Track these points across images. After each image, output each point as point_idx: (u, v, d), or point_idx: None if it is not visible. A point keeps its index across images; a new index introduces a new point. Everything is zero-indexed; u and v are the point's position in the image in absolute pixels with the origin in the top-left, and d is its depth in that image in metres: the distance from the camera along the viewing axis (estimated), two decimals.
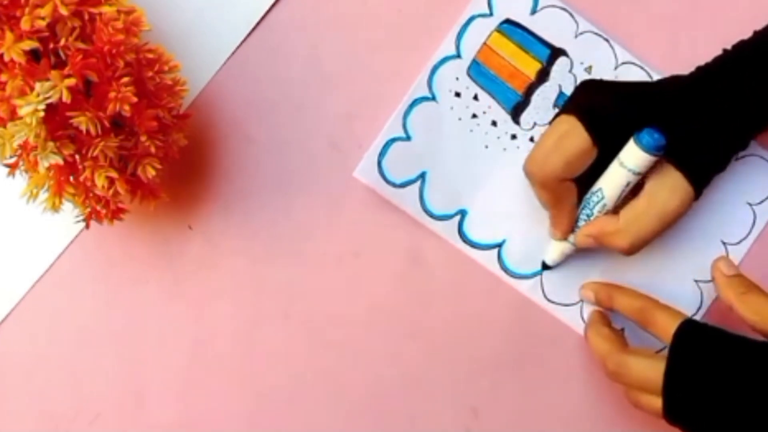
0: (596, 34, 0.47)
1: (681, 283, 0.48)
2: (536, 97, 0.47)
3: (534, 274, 0.48)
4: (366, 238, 0.48)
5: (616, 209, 0.44)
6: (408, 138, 0.47)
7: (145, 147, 0.40)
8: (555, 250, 0.47)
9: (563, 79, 0.47)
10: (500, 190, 0.48)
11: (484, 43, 0.47)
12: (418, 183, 0.47)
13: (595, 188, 0.44)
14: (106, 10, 0.37)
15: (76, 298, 0.48)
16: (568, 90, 0.47)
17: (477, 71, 0.47)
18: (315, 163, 0.48)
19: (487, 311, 0.48)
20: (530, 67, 0.47)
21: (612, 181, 0.43)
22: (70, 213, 0.42)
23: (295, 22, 0.48)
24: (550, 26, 0.47)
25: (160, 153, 0.41)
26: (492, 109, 0.47)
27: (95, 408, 0.48)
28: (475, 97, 0.47)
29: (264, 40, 0.48)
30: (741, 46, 0.43)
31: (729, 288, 0.44)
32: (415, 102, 0.47)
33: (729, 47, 0.44)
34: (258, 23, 0.47)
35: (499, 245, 0.48)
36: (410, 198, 0.47)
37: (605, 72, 0.47)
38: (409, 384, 0.48)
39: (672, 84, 0.43)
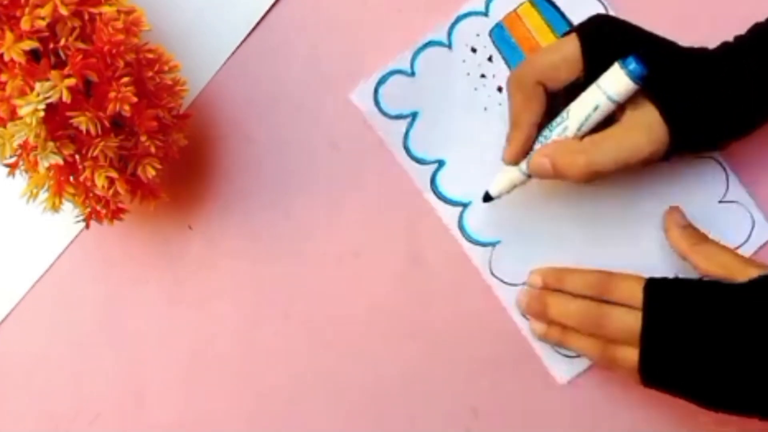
0: None
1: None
2: None
3: (488, 243, 0.47)
4: (366, 238, 0.48)
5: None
6: (412, 74, 0.47)
7: (145, 147, 0.40)
8: (503, 177, 0.44)
9: None
10: (483, 153, 0.47)
11: (514, 10, 0.47)
12: (408, 120, 0.47)
13: (564, 115, 0.41)
14: (106, 10, 0.37)
15: (76, 298, 0.48)
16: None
17: (499, 35, 0.47)
18: (315, 163, 0.48)
19: (487, 311, 0.48)
20: None
21: (582, 102, 0.40)
22: (70, 213, 0.42)
23: (295, 22, 0.48)
24: (581, 11, 0.47)
25: (160, 153, 0.41)
26: (502, 74, 0.47)
27: (95, 408, 0.48)
28: (490, 59, 0.47)
29: (264, 40, 0.48)
30: (756, 31, 0.41)
31: (682, 239, 0.44)
32: (431, 43, 0.47)
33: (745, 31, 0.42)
34: (258, 23, 0.47)
35: (464, 205, 0.47)
36: (395, 132, 0.47)
37: None
38: (409, 384, 0.48)
39: (695, 50, 0.41)
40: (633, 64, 0.38)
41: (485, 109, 0.47)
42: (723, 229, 0.47)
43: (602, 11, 0.47)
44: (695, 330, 0.39)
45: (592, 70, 0.40)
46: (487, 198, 0.45)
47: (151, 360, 0.48)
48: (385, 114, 0.47)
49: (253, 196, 0.48)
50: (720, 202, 0.47)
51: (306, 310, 0.48)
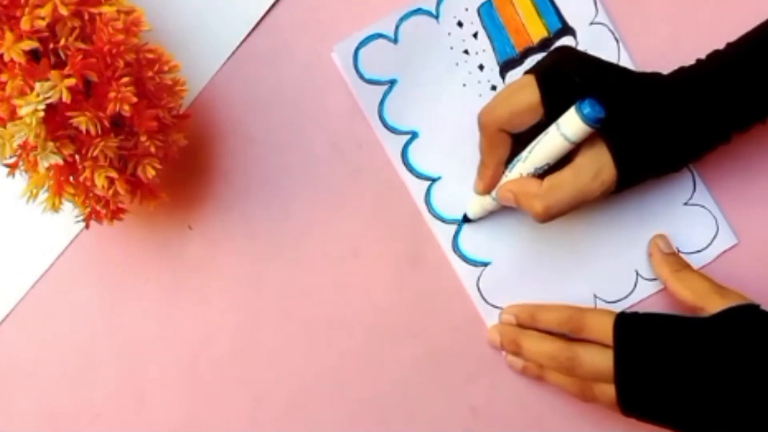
0: (610, 30, 0.47)
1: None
2: (530, 62, 0.47)
3: (454, 221, 0.47)
4: (366, 238, 0.48)
5: (543, 174, 0.43)
6: (395, 40, 0.47)
7: (145, 147, 0.40)
8: (477, 203, 0.47)
9: None
10: (457, 129, 0.47)
11: None
12: (385, 87, 0.47)
13: (529, 153, 0.43)
14: (106, 10, 0.37)
15: (76, 298, 0.48)
16: None
17: (487, 12, 0.47)
18: (315, 163, 0.48)
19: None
20: (537, 32, 0.47)
21: (546, 145, 0.42)
22: (70, 213, 0.42)
23: (295, 22, 0.48)
24: (572, 3, 0.47)
25: (160, 153, 0.41)
26: (486, 53, 0.47)
27: (95, 408, 0.48)
28: (475, 35, 0.47)
29: (264, 40, 0.48)
30: (715, 57, 0.43)
31: (665, 265, 0.46)
32: (419, 11, 0.47)
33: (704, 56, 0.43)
34: (258, 23, 0.47)
35: (433, 180, 0.47)
36: (371, 97, 0.47)
37: None
38: (408, 384, 0.48)
39: (649, 77, 0.43)
40: (588, 109, 0.39)
41: (464, 85, 0.47)
42: (686, 232, 0.47)
43: (591, 11, 0.47)
44: (665, 364, 0.40)
45: (552, 112, 0.41)
46: (466, 219, 0.47)
47: (152, 360, 0.48)
48: (362, 77, 0.47)
49: (253, 196, 0.48)
50: (685, 204, 0.47)
51: (306, 310, 0.48)
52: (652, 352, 0.41)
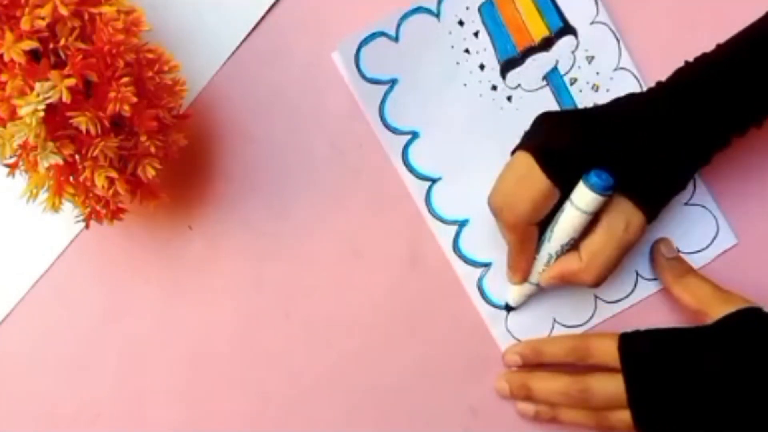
0: (611, 30, 0.47)
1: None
2: (531, 61, 0.47)
3: (454, 222, 0.47)
4: (366, 238, 0.48)
5: (575, 245, 0.43)
6: (395, 39, 0.47)
7: (145, 147, 0.40)
8: (516, 292, 0.47)
9: (563, 56, 0.47)
10: (458, 129, 0.47)
11: None
12: (386, 87, 0.47)
13: (552, 232, 0.43)
14: (106, 10, 0.37)
15: (77, 297, 0.48)
16: (564, 69, 0.47)
17: (488, 11, 0.47)
18: (315, 163, 0.48)
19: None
20: (538, 31, 0.47)
21: (566, 222, 0.42)
22: (70, 213, 0.42)
23: (295, 22, 0.48)
24: (573, 2, 0.47)
25: (160, 153, 0.41)
26: (486, 52, 0.47)
27: (95, 408, 0.48)
28: (476, 34, 0.47)
29: (264, 40, 0.48)
30: (702, 60, 0.42)
31: (668, 270, 0.46)
32: (419, 9, 0.47)
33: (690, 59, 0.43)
34: (258, 23, 0.47)
35: (433, 181, 0.47)
36: (372, 97, 0.47)
37: (604, 68, 0.47)
38: (408, 384, 0.48)
39: (628, 103, 0.43)
40: (595, 179, 0.40)
41: (464, 84, 0.47)
42: (687, 232, 0.48)
43: (592, 11, 0.47)
44: (676, 379, 0.40)
45: (565, 188, 0.42)
46: (509, 308, 0.48)
47: (151, 360, 0.48)
48: (363, 77, 0.47)
49: (253, 196, 0.48)
50: (685, 204, 0.47)
51: (306, 310, 0.48)
52: (661, 369, 0.41)
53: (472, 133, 0.45)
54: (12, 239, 0.48)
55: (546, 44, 0.47)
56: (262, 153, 0.48)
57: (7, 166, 0.40)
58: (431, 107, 0.47)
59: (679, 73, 0.42)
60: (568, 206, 0.42)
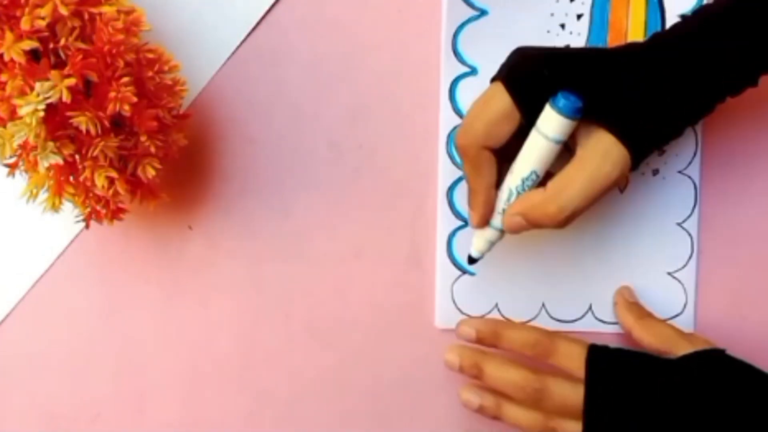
0: None
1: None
2: None
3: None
4: (366, 239, 0.48)
5: (542, 182, 0.40)
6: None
7: (145, 147, 0.40)
8: (479, 239, 0.43)
9: None
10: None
11: None
12: (474, 13, 0.46)
13: (517, 167, 0.40)
14: (106, 10, 0.37)
15: (77, 297, 0.48)
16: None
17: (600, 3, 0.46)
18: (315, 163, 0.48)
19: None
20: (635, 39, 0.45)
21: (528, 150, 0.39)
22: (70, 213, 0.42)
23: (295, 22, 0.48)
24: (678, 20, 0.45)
25: (160, 153, 0.41)
26: (579, 37, 0.46)
27: (95, 408, 0.48)
28: (579, 17, 0.46)
29: (264, 40, 0.48)
30: (701, 12, 0.40)
31: (629, 312, 0.45)
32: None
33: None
34: (258, 23, 0.47)
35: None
36: (456, 15, 0.46)
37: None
38: (408, 384, 0.48)
39: (625, 50, 0.40)
40: (562, 101, 0.37)
41: None
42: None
43: None
44: (635, 404, 0.39)
45: (529, 115, 0.39)
46: (471, 260, 0.44)
47: (151, 360, 0.48)
48: None
49: (253, 196, 0.48)
50: (678, 224, 0.47)
51: (306, 311, 0.48)
52: (623, 390, 0.40)
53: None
54: (12, 239, 0.48)
55: None
56: (262, 153, 0.48)
57: (7, 166, 0.40)
58: (500, 51, 0.42)
59: (676, 25, 0.40)
60: (532, 133, 0.39)
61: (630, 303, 0.46)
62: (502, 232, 0.42)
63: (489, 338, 0.43)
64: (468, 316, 0.47)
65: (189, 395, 0.48)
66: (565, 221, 0.39)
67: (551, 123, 0.38)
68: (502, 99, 0.38)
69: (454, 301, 0.47)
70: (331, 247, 0.48)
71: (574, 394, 0.40)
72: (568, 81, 0.38)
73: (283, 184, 0.48)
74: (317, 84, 0.48)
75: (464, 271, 0.47)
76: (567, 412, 0.41)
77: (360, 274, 0.48)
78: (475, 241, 0.43)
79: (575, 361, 0.41)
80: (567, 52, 0.40)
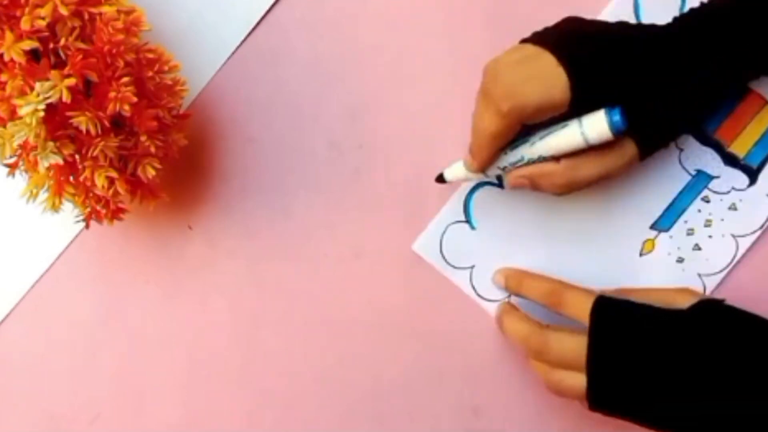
0: None
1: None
2: (710, 157, 0.47)
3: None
4: (366, 239, 0.48)
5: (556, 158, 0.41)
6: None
7: (145, 147, 0.40)
8: (460, 171, 0.44)
9: (723, 180, 0.47)
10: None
11: None
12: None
13: (540, 139, 0.41)
14: (106, 10, 0.37)
15: (76, 298, 0.48)
16: (710, 183, 0.47)
17: None
18: (315, 163, 0.48)
19: (487, 311, 0.48)
20: (743, 145, 0.47)
21: (562, 138, 0.40)
22: (70, 213, 0.42)
23: (295, 22, 0.48)
24: None
25: (160, 153, 0.41)
26: None
27: (95, 408, 0.48)
28: None
29: (264, 40, 0.48)
30: (714, 4, 0.41)
31: (616, 292, 0.44)
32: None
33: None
34: (258, 23, 0.47)
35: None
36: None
37: (735, 224, 0.47)
38: (409, 384, 0.48)
39: (645, 35, 0.41)
40: (617, 117, 0.38)
41: None
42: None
43: None
44: (640, 355, 0.39)
45: (578, 108, 0.39)
46: (440, 179, 0.46)
47: (151, 360, 0.48)
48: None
49: (253, 196, 0.48)
50: None
51: (306, 310, 0.48)
52: (627, 341, 0.40)
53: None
54: (12, 239, 0.48)
55: (731, 160, 0.47)
56: (262, 153, 0.48)
57: (7, 166, 0.40)
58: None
59: (694, 11, 0.41)
60: (573, 125, 0.40)
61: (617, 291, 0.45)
62: (485, 176, 0.44)
63: (513, 286, 0.46)
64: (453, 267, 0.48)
65: (189, 395, 0.48)
66: (566, 192, 0.42)
67: (597, 130, 0.39)
68: (563, 90, 0.38)
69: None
70: (331, 247, 0.48)
71: (576, 346, 0.41)
72: (615, 87, 0.39)
73: (283, 184, 0.48)
74: (317, 84, 0.48)
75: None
76: (569, 365, 0.41)
77: (360, 274, 0.48)
78: (456, 169, 0.45)
79: (582, 309, 0.41)
80: (617, 38, 0.40)
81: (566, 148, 0.40)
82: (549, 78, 0.38)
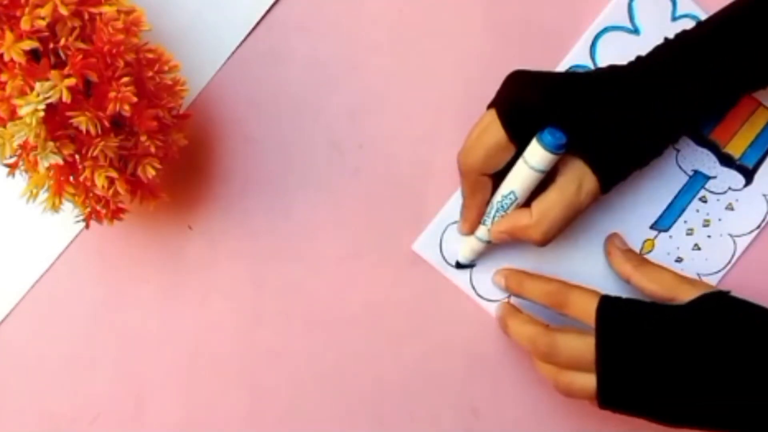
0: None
1: None
2: (700, 151, 0.47)
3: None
4: (366, 239, 0.48)
5: (527, 202, 0.43)
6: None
7: (145, 147, 0.40)
8: (466, 248, 0.47)
9: (720, 180, 0.48)
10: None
11: None
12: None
13: (503, 187, 0.44)
14: (106, 10, 0.37)
15: (76, 298, 0.48)
16: (707, 182, 0.48)
17: None
18: (315, 163, 0.48)
19: (487, 311, 0.48)
20: (738, 146, 0.48)
21: (513, 174, 0.43)
22: (70, 213, 0.42)
23: (295, 22, 0.48)
24: None
25: (160, 153, 0.41)
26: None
27: (95, 408, 0.48)
28: None
29: (264, 40, 0.48)
30: (682, 37, 0.43)
31: (625, 261, 0.46)
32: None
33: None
34: (258, 23, 0.47)
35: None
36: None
37: (731, 224, 0.48)
38: (409, 384, 0.48)
39: (607, 75, 0.43)
40: (548, 138, 0.40)
41: None
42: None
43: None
44: (648, 353, 0.40)
45: (522, 143, 0.42)
46: (459, 266, 0.48)
47: (151, 360, 0.48)
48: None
49: (253, 196, 0.48)
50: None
51: (306, 310, 0.48)
52: (634, 339, 0.40)
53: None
54: (12, 239, 0.48)
55: (727, 160, 0.47)
56: (262, 153, 0.48)
57: (7, 166, 0.40)
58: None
59: (657, 49, 0.43)
60: (519, 161, 0.43)
61: (624, 251, 0.46)
62: (488, 242, 0.46)
63: (514, 287, 0.46)
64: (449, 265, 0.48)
65: (189, 395, 0.48)
66: (546, 244, 0.43)
67: (536, 156, 0.41)
68: (498, 132, 0.42)
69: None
70: (331, 247, 0.48)
71: (584, 346, 0.41)
72: (554, 114, 0.41)
73: (283, 184, 0.48)
74: (317, 84, 0.48)
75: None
76: (578, 366, 0.41)
77: (359, 274, 0.48)
78: (462, 249, 0.47)
79: (587, 310, 0.42)
80: (553, 79, 0.43)
81: (518, 180, 0.43)
82: (488, 126, 0.43)
